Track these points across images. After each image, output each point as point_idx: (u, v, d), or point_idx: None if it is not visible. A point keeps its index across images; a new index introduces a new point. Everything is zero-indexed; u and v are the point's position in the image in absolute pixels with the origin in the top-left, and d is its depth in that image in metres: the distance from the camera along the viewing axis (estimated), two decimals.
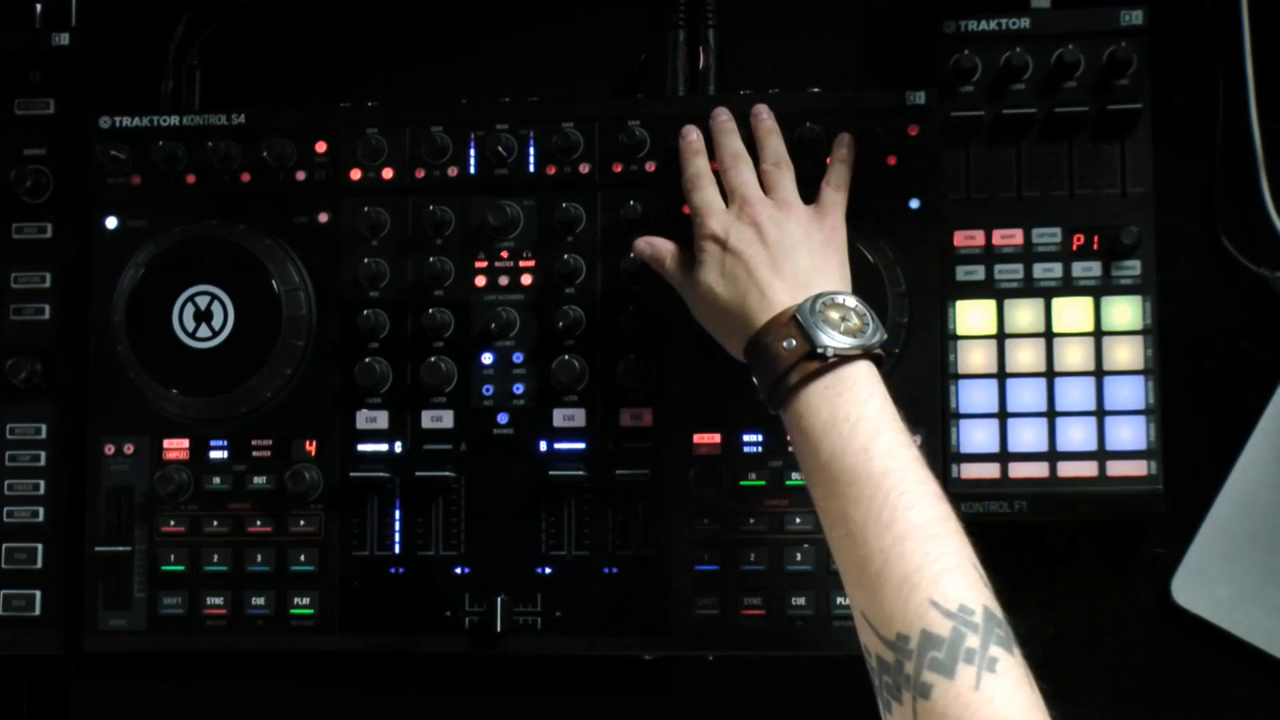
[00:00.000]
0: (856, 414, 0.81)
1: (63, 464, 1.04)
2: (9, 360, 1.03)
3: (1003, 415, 1.00)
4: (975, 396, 1.00)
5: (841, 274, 0.91)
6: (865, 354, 0.84)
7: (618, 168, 1.01)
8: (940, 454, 0.99)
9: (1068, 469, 0.99)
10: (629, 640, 1.01)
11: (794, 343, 0.84)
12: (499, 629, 0.99)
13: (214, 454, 1.03)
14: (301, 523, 1.02)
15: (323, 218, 1.04)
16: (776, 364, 0.84)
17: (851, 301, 0.86)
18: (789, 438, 0.87)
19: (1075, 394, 0.99)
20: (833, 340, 0.83)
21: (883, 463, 0.79)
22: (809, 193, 0.95)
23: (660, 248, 0.97)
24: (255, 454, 1.03)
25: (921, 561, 0.76)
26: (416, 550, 1.02)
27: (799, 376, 0.83)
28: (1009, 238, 1.00)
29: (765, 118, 0.98)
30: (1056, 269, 0.99)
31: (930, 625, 0.74)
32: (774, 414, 0.87)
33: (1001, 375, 1.00)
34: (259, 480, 1.03)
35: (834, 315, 0.85)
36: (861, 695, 1.11)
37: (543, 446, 1.01)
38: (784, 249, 0.89)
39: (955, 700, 0.72)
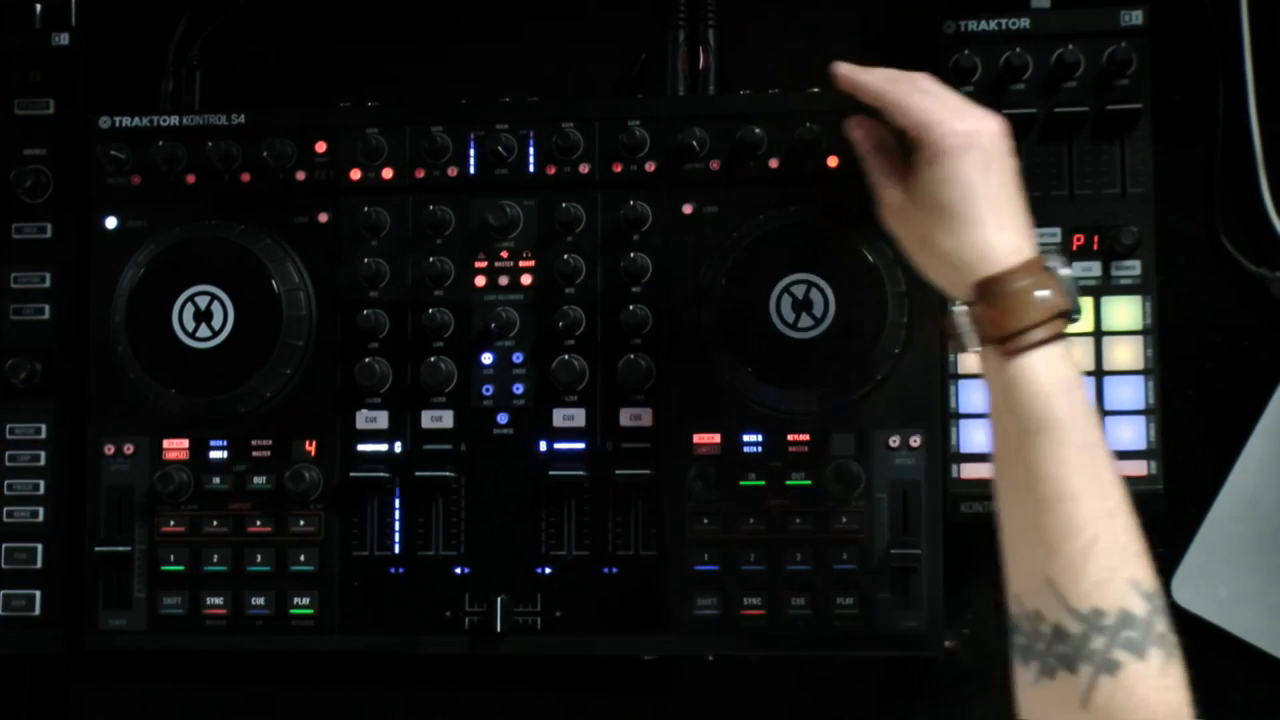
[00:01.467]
0: (1079, 380, 0.81)
1: (63, 464, 1.04)
2: (9, 360, 1.03)
3: None
4: (975, 396, 1.00)
5: None
6: None
7: (618, 168, 1.01)
8: (940, 454, 0.99)
9: None
10: (629, 640, 1.01)
11: (1050, 296, 0.81)
12: (499, 629, 0.99)
13: (214, 454, 1.03)
14: (301, 523, 1.02)
15: (323, 218, 1.04)
16: (1026, 313, 0.81)
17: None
18: (1007, 389, 0.82)
19: None
20: (1079, 305, 0.83)
21: (1100, 432, 0.80)
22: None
23: (873, 132, 0.91)
24: (255, 454, 1.03)
25: (1128, 540, 0.78)
26: (416, 550, 1.02)
27: (1049, 333, 0.81)
28: None
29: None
30: None
31: (1129, 605, 0.76)
32: (974, 350, 0.83)
33: None
34: (259, 480, 1.03)
35: (1070, 275, 0.83)
36: (862, 695, 1.11)
37: (543, 446, 1.01)
38: (1016, 175, 0.85)
39: (1143, 680, 0.75)
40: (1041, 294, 0.81)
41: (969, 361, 1.00)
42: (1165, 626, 0.76)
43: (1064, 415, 0.79)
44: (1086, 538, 0.77)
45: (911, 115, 0.86)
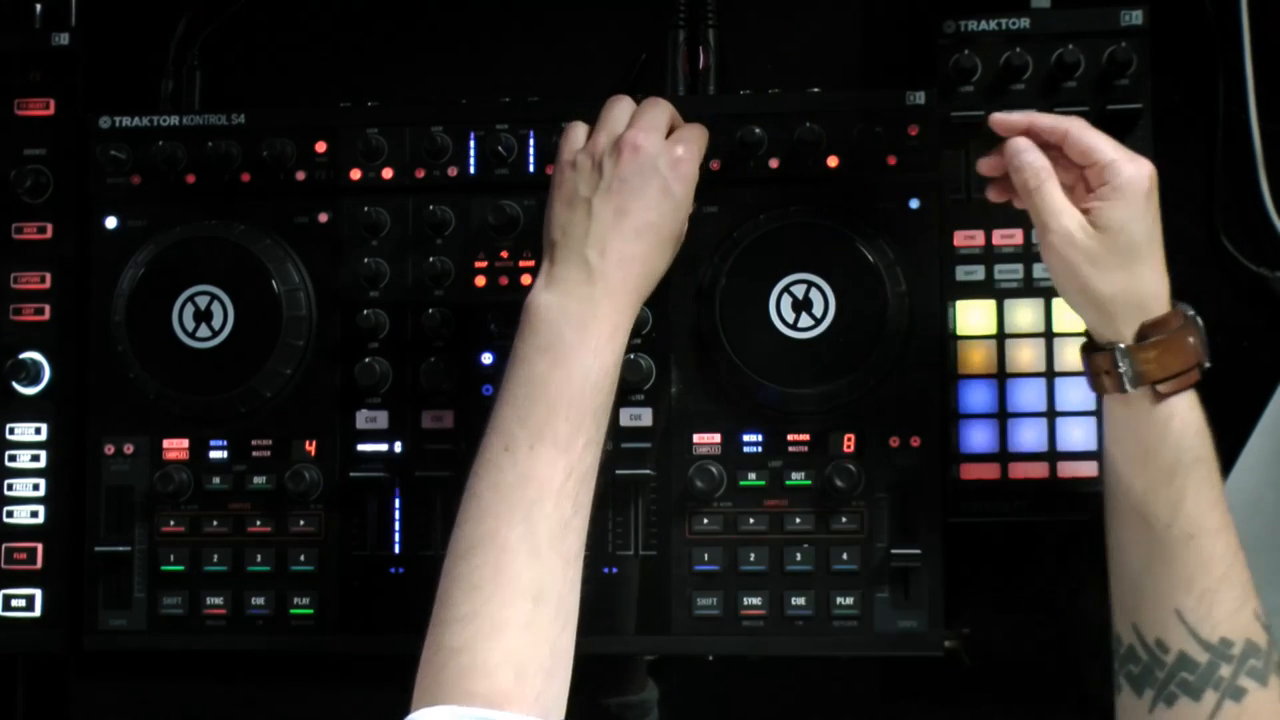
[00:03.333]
0: (1206, 427, 0.85)
1: (63, 464, 1.04)
2: (9, 360, 1.04)
3: (1003, 415, 1.00)
4: (975, 396, 1.00)
5: None
6: None
7: None
8: (940, 454, 0.99)
9: (1068, 469, 0.98)
10: (629, 640, 1.01)
11: (1196, 342, 0.85)
12: None
13: (214, 454, 1.03)
14: (301, 523, 1.02)
15: (323, 218, 1.04)
16: (1188, 356, 0.84)
17: None
18: (1161, 427, 0.84)
19: (1075, 394, 0.98)
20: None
21: (1220, 470, 0.85)
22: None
23: (1039, 164, 0.87)
24: (255, 454, 1.03)
25: (1248, 574, 0.83)
26: (416, 550, 1.02)
27: (1197, 377, 0.85)
28: (1009, 238, 1.00)
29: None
30: None
31: (1254, 635, 0.82)
32: (1124, 390, 0.85)
33: (1001, 375, 1.00)
34: (259, 480, 1.03)
35: (1201, 323, 0.88)
36: (862, 695, 1.11)
37: None
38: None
39: (1265, 706, 0.81)
40: (1191, 339, 0.85)
41: (969, 361, 1.00)
42: None
43: (1210, 454, 0.84)
44: (1220, 571, 0.82)
45: (1096, 153, 0.85)
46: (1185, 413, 0.84)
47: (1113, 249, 0.84)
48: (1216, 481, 0.84)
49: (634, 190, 0.87)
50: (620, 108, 0.92)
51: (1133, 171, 0.84)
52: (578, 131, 0.92)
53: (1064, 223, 0.85)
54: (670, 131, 0.92)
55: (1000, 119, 0.90)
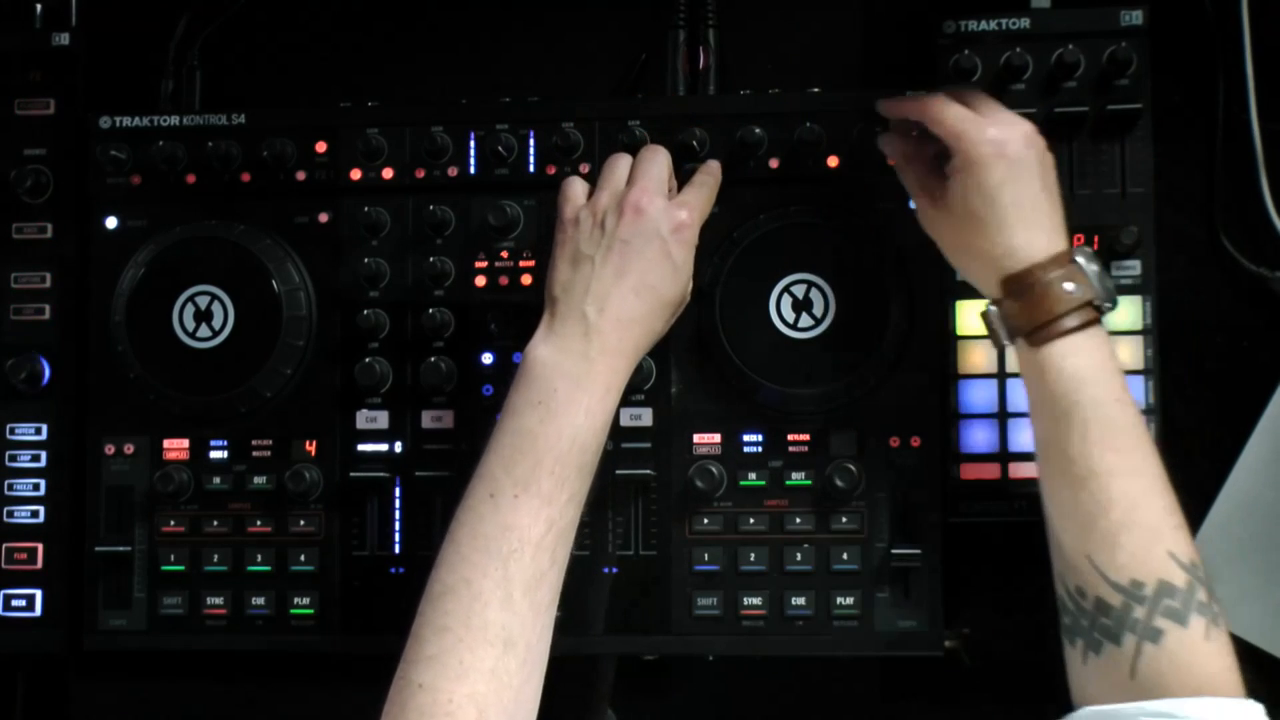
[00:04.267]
0: (1113, 364, 0.85)
1: (63, 464, 1.04)
2: (9, 360, 1.04)
3: (1003, 415, 1.00)
4: (975, 396, 1.00)
5: None
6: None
7: None
8: (940, 454, 0.99)
9: None
10: (629, 640, 1.01)
11: (1075, 288, 0.85)
12: None
13: (214, 454, 1.03)
14: (301, 523, 1.03)
15: (323, 218, 1.04)
16: (1054, 305, 0.84)
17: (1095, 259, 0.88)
18: (1040, 377, 0.85)
19: None
20: (1108, 293, 0.86)
21: (1134, 413, 0.84)
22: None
23: (903, 145, 0.95)
24: (255, 454, 1.03)
25: (1163, 514, 0.82)
26: (416, 550, 1.02)
27: (1078, 321, 0.84)
28: None
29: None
30: None
31: (1169, 575, 0.80)
32: (1006, 345, 0.87)
33: (1001, 375, 1.00)
34: (259, 480, 1.03)
35: (1097, 268, 0.86)
36: (862, 695, 1.11)
37: None
38: (1055, 177, 0.89)
39: (1185, 647, 0.79)
40: (1068, 286, 0.84)
41: (969, 361, 1.00)
42: (1207, 595, 0.80)
43: (1090, 399, 0.83)
44: (1120, 513, 0.81)
45: (944, 126, 0.89)
46: (1066, 359, 0.84)
47: (962, 218, 0.88)
48: (1112, 424, 0.83)
49: (635, 252, 0.88)
50: (621, 165, 0.94)
51: (970, 141, 0.87)
52: (576, 187, 0.93)
53: (918, 203, 0.93)
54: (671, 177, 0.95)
55: (882, 105, 0.96)
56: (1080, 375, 0.84)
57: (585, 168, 1.01)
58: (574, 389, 0.85)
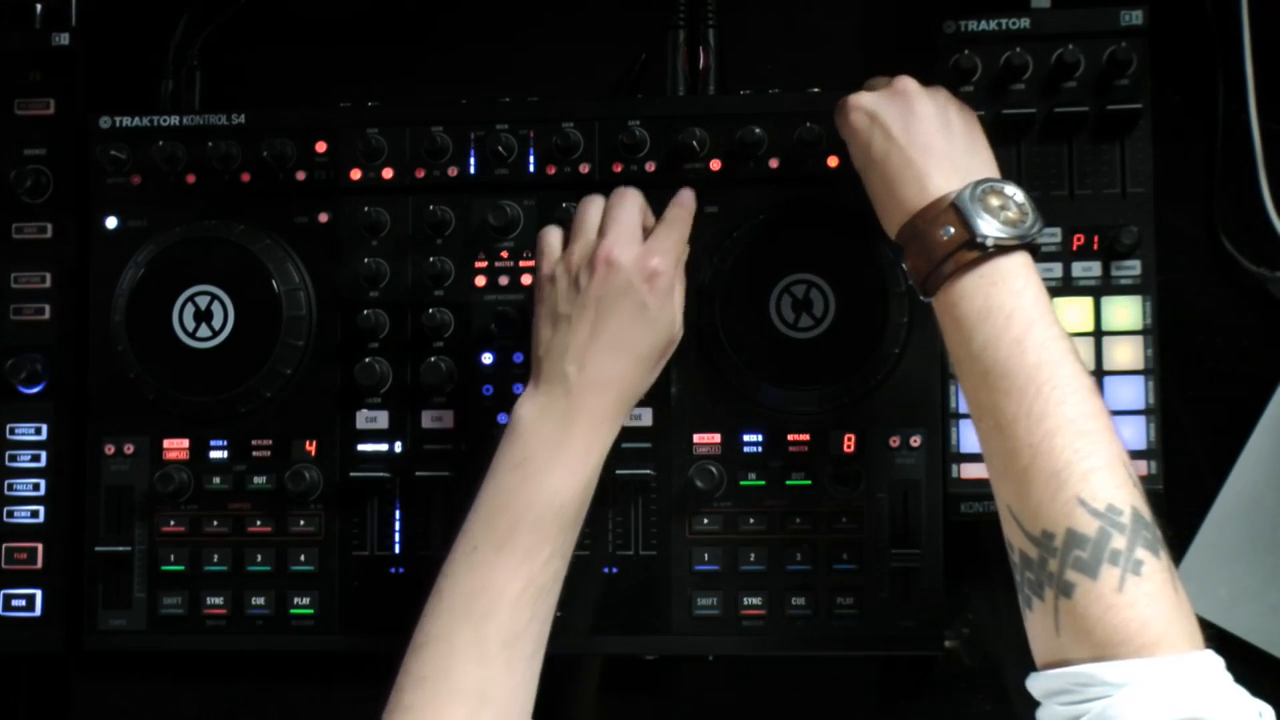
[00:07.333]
0: (1011, 305, 0.80)
1: (63, 464, 1.04)
2: (9, 360, 1.04)
3: None
4: None
5: (993, 160, 0.89)
6: (1023, 245, 0.83)
7: (618, 168, 1.01)
8: (940, 454, 0.99)
9: None
10: (629, 640, 1.01)
11: (952, 230, 0.82)
12: None
13: (214, 454, 1.03)
14: (301, 523, 1.03)
15: (323, 218, 1.04)
16: (933, 251, 0.83)
17: (1011, 189, 0.84)
18: (941, 326, 0.85)
19: None
20: (992, 230, 0.81)
21: (1036, 355, 0.79)
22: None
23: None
24: (255, 454, 1.03)
25: (1071, 458, 0.76)
26: (416, 550, 1.02)
27: (955, 265, 0.82)
28: None
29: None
30: (1056, 269, 0.99)
31: (1076, 524, 0.74)
32: (925, 300, 0.86)
33: None
34: (259, 480, 1.03)
35: (994, 203, 0.83)
36: (862, 695, 1.11)
37: None
38: (935, 126, 0.87)
39: (1097, 601, 0.73)
40: (941, 231, 0.83)
41: None
42: (1126, 542, 0.74)
43: (981, 344, 0.80)
44: (1024, 460, 0.77)
45: (838, 112, 0.92)
46: (957, 306, 0.82)
47: (871, 195, 0.90)
48: (1005, 368, 0.79)
49: (607, 309, 0.89)
50: (593, 212, 0.94)
51: (844, 119, 0.91)
52: (552, 240, 0.94)
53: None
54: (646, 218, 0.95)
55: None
56: (970, 320, 0.81)
57: (585, 168, 1.01)
58: (554, 451, 0.87)
